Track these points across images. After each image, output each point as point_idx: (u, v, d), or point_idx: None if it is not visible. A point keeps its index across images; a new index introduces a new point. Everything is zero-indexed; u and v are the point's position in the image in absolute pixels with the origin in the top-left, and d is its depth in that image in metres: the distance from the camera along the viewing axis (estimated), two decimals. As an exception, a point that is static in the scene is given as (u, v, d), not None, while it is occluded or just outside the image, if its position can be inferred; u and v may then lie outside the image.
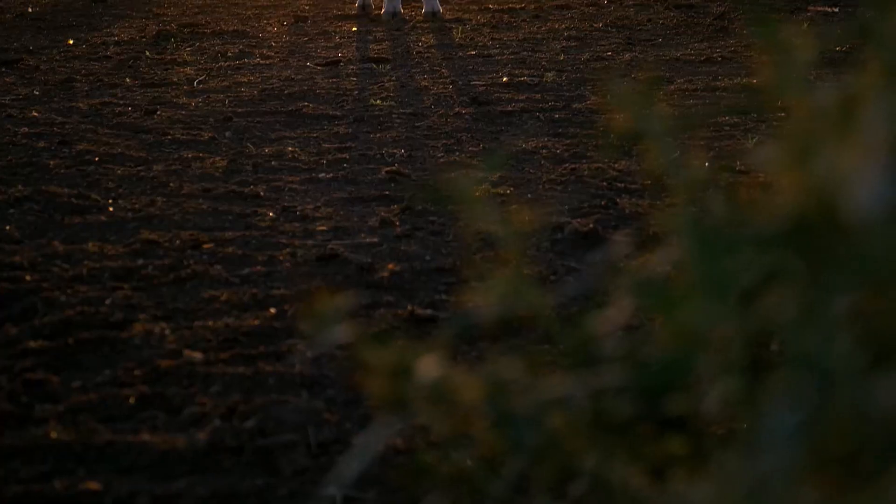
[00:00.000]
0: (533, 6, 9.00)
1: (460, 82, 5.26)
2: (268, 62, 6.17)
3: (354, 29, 7.91)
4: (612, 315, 1.04)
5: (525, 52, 6.25)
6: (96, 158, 3.74)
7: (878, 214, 0.80)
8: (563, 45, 6.58)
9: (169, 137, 4.09)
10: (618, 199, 3.17)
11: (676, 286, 0.92)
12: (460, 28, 7.57)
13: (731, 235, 0.86)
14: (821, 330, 0.83)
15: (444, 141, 4.00)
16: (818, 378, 0.82)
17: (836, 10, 7.83)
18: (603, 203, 3.15)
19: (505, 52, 6.32)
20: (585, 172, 3.47)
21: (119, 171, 3.56)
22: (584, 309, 2.43)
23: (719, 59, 5.73)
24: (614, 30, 7.31)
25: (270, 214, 3.11)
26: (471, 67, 5.75)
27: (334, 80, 5.45)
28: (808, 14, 7.64)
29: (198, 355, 2.23)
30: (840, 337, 0.83)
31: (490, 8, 8.94)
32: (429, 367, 1.03)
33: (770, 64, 0.81)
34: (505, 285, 1.06)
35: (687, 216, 0.86)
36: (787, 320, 0.86)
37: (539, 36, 7.07)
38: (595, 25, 7.53)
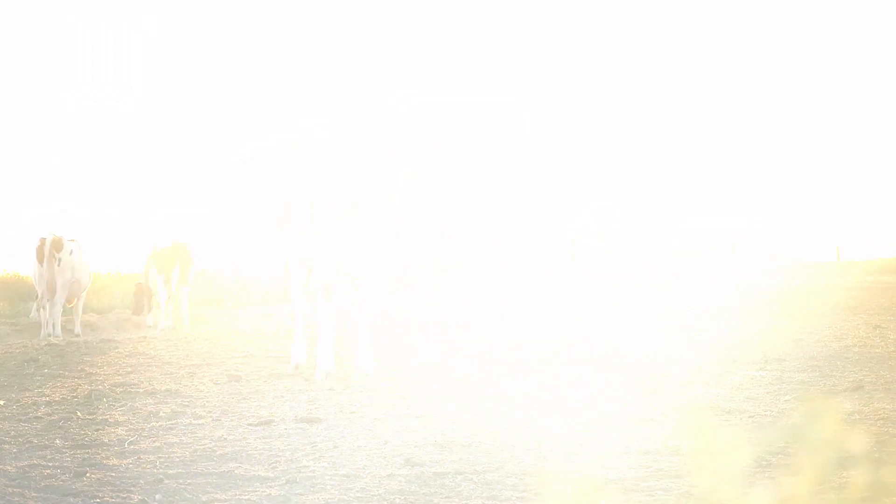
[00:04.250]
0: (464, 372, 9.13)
1: (394, 442, 5.26)
2: (200, 422, 6.15)
3: (288, 387, 7.95)
4: None
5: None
6: (21, 524, 3.65)
7: None
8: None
9: (97, 501, 4.01)
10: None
11: None
12: (393, 387, 7.63)
13: None
14: None
15: (377, 504, 3.96)
16: None
17: (765, 373, 7.99)
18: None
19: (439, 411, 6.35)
20: (521, 536, 3.44)
21: (44, 538, 3.47)
22: None
23: (650, 419, 5.79)
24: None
25: (199, 583, 3.03)
26: (405, 427, 5.76)
27: (267, 440, 5.43)
28: (736, 378, 7.78)
29: None
30: None
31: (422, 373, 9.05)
32: None
33: (704, 469, 0.83)
34: None
35: None
36: None
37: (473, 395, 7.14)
38: (526, 384, 7.62)
